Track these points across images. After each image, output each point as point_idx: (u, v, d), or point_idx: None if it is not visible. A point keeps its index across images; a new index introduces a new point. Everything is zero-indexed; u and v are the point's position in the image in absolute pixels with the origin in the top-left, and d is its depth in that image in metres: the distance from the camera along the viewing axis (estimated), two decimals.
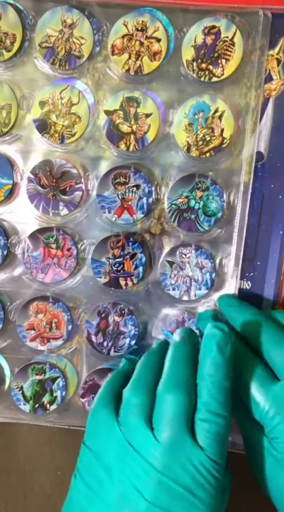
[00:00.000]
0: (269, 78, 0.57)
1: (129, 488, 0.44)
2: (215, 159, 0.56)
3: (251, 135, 0.56)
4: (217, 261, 0.56)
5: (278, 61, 0.57)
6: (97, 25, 0.58)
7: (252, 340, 0.50)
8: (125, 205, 0.57)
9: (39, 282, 0.58)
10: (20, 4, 0.58)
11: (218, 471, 0.44)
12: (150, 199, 0.56)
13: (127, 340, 0.57)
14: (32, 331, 0.59)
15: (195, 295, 0.56)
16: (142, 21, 0.56)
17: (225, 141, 0.55)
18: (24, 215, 0.60)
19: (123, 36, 0.57)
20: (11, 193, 0.59)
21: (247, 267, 0.57)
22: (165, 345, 0.52)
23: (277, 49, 0.57)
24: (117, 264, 0.57)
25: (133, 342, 0.58)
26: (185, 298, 0.57)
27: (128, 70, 0.56)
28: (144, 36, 0.56)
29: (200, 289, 0.56)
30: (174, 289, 0.57)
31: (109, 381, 0.51)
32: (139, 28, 0.56)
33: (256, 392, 0.48)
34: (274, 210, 0.57)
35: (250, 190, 0.56)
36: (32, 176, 0.58)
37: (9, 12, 0.58)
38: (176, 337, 0.50)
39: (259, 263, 0.57)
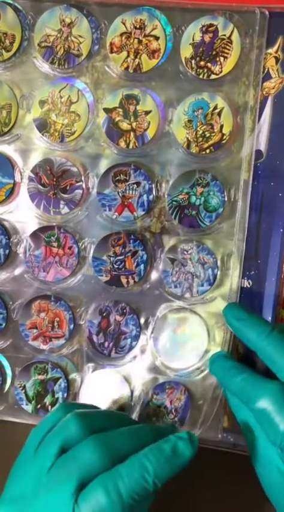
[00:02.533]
0: (268, 77, 0.56)
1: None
2: (215, 156, 0.55)
3: (250, 133, 0.55)
4: (219, 257, 0.54)
5: (277, 59, 0.55)
6: (96, 23, 0.57)
7: (265, 357, 0.47)
8: (126, 203, 0.55)
9: (41, 280, 0.57)
10: (19, 4, 0.57)
11: None
12: (151, 196, 0.55)
13: (129, 341, 0.56)
14: (34, 330, 0.57)
15: (197, 291, 0.55)
16: (140, 19, 0.55)
17: (225, 137, 0.54)
18: (25, 214, 0.58)
19: (121, 34, 0.56)
20: (11, 193, 0.58)
21: (247, 266, 0.55)
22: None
23: (275, 47, 0.55)
24: (118, 262, 0.55)
25: (134, 343, 0.56)
26: (187, 295, 0.55)
27: (127, 68, 0.55)
28: (143, 34, 0.55)
29: (202, 285, 0.54)
30: (176, 286, 0.55)
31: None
32: (138, 26, 0.55)
33: (276, 416, 0.44)
34: (274, 208, 0.55)
35: (250, 188, 0.55)
36: (32, 175, 0.57)
37: (8, 12, 0.57)
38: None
39: (259, 261, 0.55)
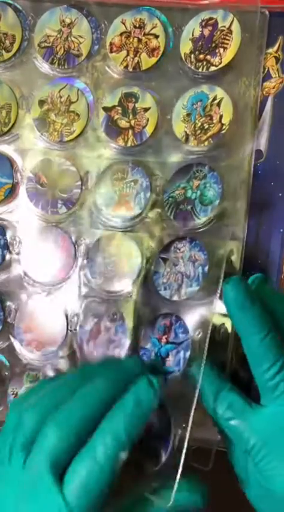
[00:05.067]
0: (268, 77, 0.55)
1: None
2: (215, 154, 0.53)
3: (251, 133, 0.54)
4: (218, 257, 0.52)
5: (277, 59, 0.55)
6: (96, 24, 0.56)
7: (252, 358, 0.45)
8: (123, 201, 0.53)
9: (37, 282, 0.55)
10: (19, 4, 0.57)
11: None
12: (148, 194, 0.53)
13: (117, 350, 0.53)
14: (29, 334, 0.55)
15: (185, 293, 0.51)
16: (140, 18, 0.54)
17: (224, 127, 0.52)
18: (24, 214, 0.57)
19: (121, 34, 0.55)
20: (11, 193, 0.56)
21: (247, 266, 0.54)
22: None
23: (275, 47, 0.55)
24: (112, 264, 0.53)
25: (122, 352, 0.53)
26: (175, 298, 0.52)
27: (126, 67, 0.54)
28: (142, 33, 0.54)
29: (191, 285, 0.51)
30: (165, 288, 0.52)
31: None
32: (137, 25, 0.54)
33: (237, 423, 0.44)
34: (274, 208, 0.54)
35: (250, 188, 0.54)
36: (31, 175, 0.56)
37: (8, 12, 0.56)
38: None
39: (259, 261, 0.54)
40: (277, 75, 0.55)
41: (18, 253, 0.56)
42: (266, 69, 0.55)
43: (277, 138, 0.54)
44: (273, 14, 0.54)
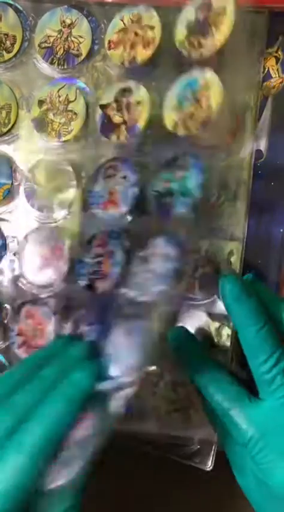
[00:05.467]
0: (268, 77, 0.54)
1: None
2: (211, 153, 0.52)
3: (251, 133, 0.53)
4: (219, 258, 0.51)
5: (277, 59, 0.54)
6: (96, 24, 0.56)
7: (248, 349, 0.44)
8: (111, 199, 0.52)
9: (34, 284, 0.54)
10: (20, 5, 0.57)
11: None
12: (136, 189, 0.51)
13: None
14: (20, 338, 0.54)
15: (155, 291, 0.45)
16: (138, 12, 0.54)
17: (213, 110, 0.49)
18: (23, 215, 0.56)
19: (119, 31, 0.54)
20: (9, 193, 0.56)
21: (247, 265, 0.53)
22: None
23: (275, 47, 0.54)
24: (96, 265, 0.51)
25: None
26: (144, 298, 0.45)
27: (123, 62, 0.54)
28: (139, 27, 0.54)
29: (159, 284, 0.45)
30: (134, 289, 0.46)
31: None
32: (135, 20, 0.54)
33: (235, 415, 0.43)
34: (274, 208, 0.53)
35: (250, 188, 0.53)
36: (29, 175, 0.55)
37: (9, 13, 0.57)
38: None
39: (259, 261, 0.53)
40: (277, 75, 0.54)
41: (15, 254, 0.55)
42: (266, 69, 0.54)
43: (277, 138, 0.54)
44: (273, 14, 0.54)
